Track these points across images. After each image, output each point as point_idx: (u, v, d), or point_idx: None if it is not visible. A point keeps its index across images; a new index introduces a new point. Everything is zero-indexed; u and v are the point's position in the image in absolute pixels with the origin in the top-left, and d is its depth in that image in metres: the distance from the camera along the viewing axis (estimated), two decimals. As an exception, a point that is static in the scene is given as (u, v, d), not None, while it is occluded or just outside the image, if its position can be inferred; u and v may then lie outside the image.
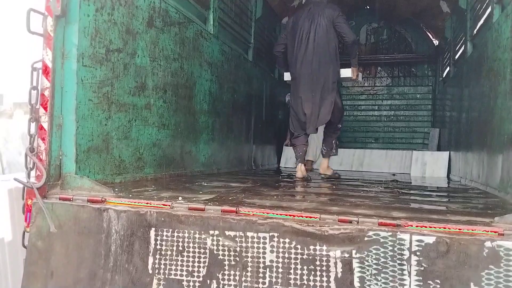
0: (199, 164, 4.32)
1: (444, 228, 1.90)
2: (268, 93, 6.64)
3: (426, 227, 1.91)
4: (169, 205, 2.21)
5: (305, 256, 1.97)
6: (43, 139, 2.42)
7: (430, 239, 1.84)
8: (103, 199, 2.30)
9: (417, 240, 1.85)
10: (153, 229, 2.14)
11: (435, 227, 1.89)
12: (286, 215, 2.09)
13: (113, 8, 2.90)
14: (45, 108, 2.42)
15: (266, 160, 6.79)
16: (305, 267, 1.97)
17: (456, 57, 6.06)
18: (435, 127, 7.65)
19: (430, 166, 6.10)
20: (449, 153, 6.05)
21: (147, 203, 2.24)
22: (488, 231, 1.87)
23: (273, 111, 6.90)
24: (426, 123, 8.17)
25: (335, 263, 1.94)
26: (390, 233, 1.88)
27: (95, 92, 2.73)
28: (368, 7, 8.47)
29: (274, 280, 1.99)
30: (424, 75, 8.33)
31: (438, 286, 1.81)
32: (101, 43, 2.79)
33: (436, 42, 8.14)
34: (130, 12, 3.08)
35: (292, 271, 1.98)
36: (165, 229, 2.13)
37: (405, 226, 1.93)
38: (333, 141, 4.88)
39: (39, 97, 2.43)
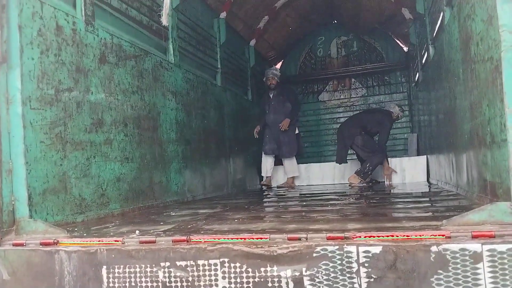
0: (171, 194, 4.29)
1: (392, 236, 1.88)
2: (242, 115, 6.66)
3: (373, 236, 1.89)
4: (120, 241, 2.17)
5: (256, 279, 1.93)
6: (-8, 186, 2.39)
7: (377, 249, 1.81)
8: (55, 241, 2.26)
9: (364, 251, 1.82)
10: (104, 267, 2.09)
11: (381, 236, 1.87)
12: (237, 238, 2.06)
13: (60, 49, 2.91)
14: (-8, 155, 2.40)
15: (247, 182, 6.77)
16: (258, 290, 1.93)
17: (423, 61, 6.14)
18: (414, 132, 7.69)
19: (409, 171, 6.11)
20: (427, 157, 6.07)
21: (98, 241, 2.20)
22: (436, 235, 1.85)
23: (249, 132, 6.90)
24: (406, 129, 8.22)
25: (287, 283, 1.90)
26: (337, 247, 1.85)
27: (46, 133, 2.72)
28: (335, 21, 8.61)
29: (228, 307, 1.95)
30: (398, 82, 8.41)
31: (390, 296, 1.78)
32: (50, 84, 2.79)
33: (405, 48, 8.25)
34: (79, 51, 3.10)
35: (245, 295, 1.94)
36: (116, 266, 2.08)
37: (353, 238, 1.91)
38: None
39: (-15, 144, 2.40)
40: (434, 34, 4.96)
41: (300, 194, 4.71)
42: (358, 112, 7.47)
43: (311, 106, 8.68)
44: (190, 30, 5.05)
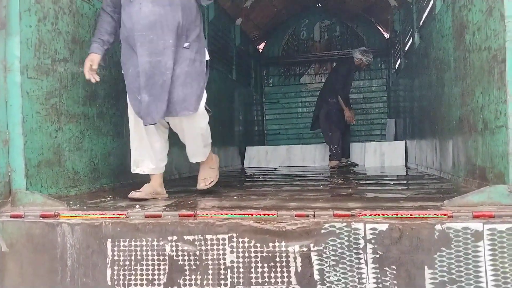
0: (159, 171, 4.26)
1: (397, 214, 1.95)
2: (226, 94, 6.63)
3: (379, 215, 1.96)
4: (124, 214, 2.17)
5: (264, 254, 1.98)
6: (-12, 156, 2.33)
7: (383, 227, 1.88)
8: (56, 213, 2.24)
9: (371, 229, 1.89)
10: (109, 240, 2.09)
11: (387, 214, 1.95)
12: (244, 214, 2.10)
13: (57, 18, 2.82)
14: (-11, 124, 2.33)
15: (229, 161, 6.78)
16: (265, 265, 1.98)
17: (406, 48, 6.26)
18: (391, 117, 7.87)
19: (388, 156, 6.27)
20: (405, 142, 6.23)
21: (102, 214, 2.20)
22: (438, 215, 1.93)
23: (233, 112, 6.90)
24: (383, 115, 8.40)
25: (295, 258, 1.96)
26: (345, 224, 1.92)
27: (42, 104, 2.66)
28: (319, 5, 8.62)
29: (235, 280, 1.99)
30: (377, 68, 8.54)
31: (394, 271, 1.86)
32: (46, 54, 2.71)
33: (387, 35, 8.37)
34: (75, 21, 3.01)
35: (253, 269, 1.98)
36: (121, 239, 2.08)
37: (359, 215, 1.97)
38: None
39: (-18, 113, 2.33)
40: (421, 22, 5.06)
41: (287, 175, 4.77)
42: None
43: (292, 88, 8.72)
44: (179, 5, 4.95)
